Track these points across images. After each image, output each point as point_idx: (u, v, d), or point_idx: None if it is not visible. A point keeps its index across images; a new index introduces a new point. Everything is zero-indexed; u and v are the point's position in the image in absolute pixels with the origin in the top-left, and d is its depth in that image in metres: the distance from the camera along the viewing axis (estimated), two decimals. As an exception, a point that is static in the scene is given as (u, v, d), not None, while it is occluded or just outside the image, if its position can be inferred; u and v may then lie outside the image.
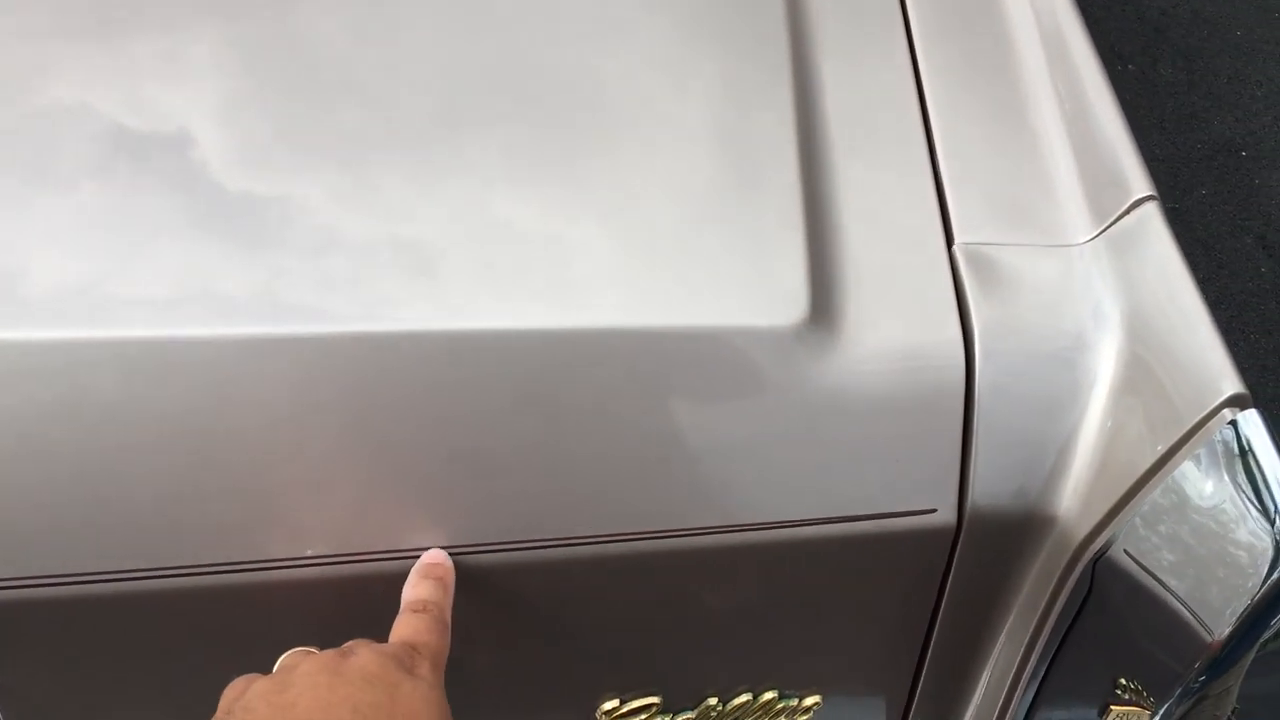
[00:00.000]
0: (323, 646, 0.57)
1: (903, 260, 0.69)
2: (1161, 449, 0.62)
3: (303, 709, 0.52)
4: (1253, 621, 0.58)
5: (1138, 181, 0.72)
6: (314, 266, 0.64)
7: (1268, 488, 0.58)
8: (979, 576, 0.71)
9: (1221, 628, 0.58)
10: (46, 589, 0.61)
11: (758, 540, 0.66)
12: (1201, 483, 0.60)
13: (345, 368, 0.61)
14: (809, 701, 0.80)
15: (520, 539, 0.64)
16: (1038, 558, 0.69)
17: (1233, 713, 0.63)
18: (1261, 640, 0.58)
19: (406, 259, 0.64)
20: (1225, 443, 0.59)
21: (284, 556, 0.63)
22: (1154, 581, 0.62)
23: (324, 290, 0.63)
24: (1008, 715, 0.77)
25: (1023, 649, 0.73)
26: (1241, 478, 0.59)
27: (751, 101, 0.76)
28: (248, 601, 0.64)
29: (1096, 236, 0.71)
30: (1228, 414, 0.60)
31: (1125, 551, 0.63)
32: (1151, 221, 0.70)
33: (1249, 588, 0.57)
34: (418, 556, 0.63)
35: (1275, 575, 0.56)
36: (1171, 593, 0.61)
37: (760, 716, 0.80)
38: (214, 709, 0.54)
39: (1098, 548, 0.65)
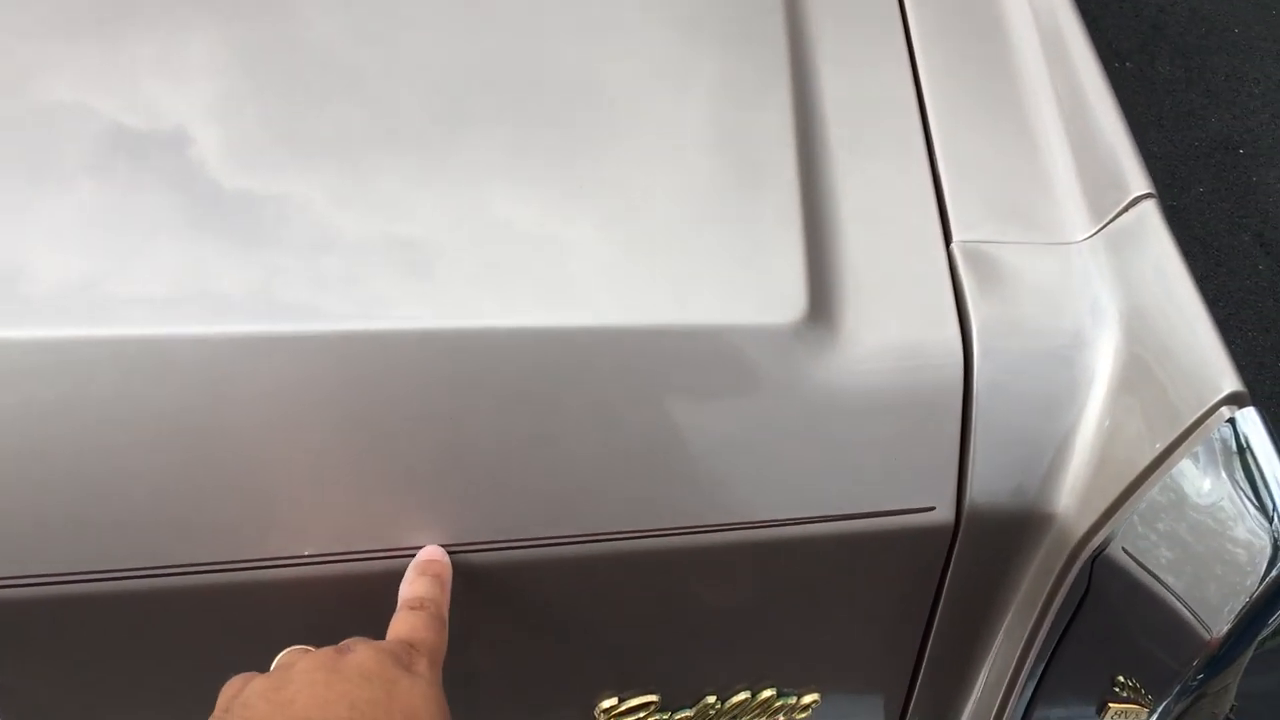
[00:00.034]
0: (320, 644, 0.57)
1: (901, 258, 0.69)
2: (1160, 447, 0.62)
3: (300, 706, 0.52)
4: (1251, 619, 0.58)
5: (1136, 179, 0.72)
6: (311, 265, 0.63)
7: (1266, 486, 0.58)
8: (977, 574, 0.71)
9: (1220, 625, 0.58)
10: (43, 587, 0.61)
11: (756, 538, 0.66)
12: (1200, 480, 0.60)
13: (342, 366, 0.61)
14: (807, 699, 0.80)
15: (518, 537, 0.64)
16: (1036, 555, 0.69)
17: (1231, 710, 0.64)
18: (1260, 638, 0.59)
19: (403, 257, 0.64)
20: (1223, 440, 0.59)
21: (281, 554, 0.63)
22: (1152, 579, 0.62)
23: (321, 289, 0.63)
24: (1006, 713, 0.77)
25: (1021, 647, 0.73)
26: (1240, 475, 0.59)
27: (750, 100, 0.75)
28: (244, 599, 0.64)
29: (1095, 234, 0.71)
30: (1226, 412, 0.60)
31: (1123, 549, 0.63)
32: (1150, 219, 0.70)
33: (1247, 586, 0.57)
34: (414, 554, 0.63)
35: (1273, 573, 0.56)
36: (1170, 590, 0.61)
37: (758, 714, 0.80)
38: (212, 707, 0.54)
39: (1096, 545, 0.65)
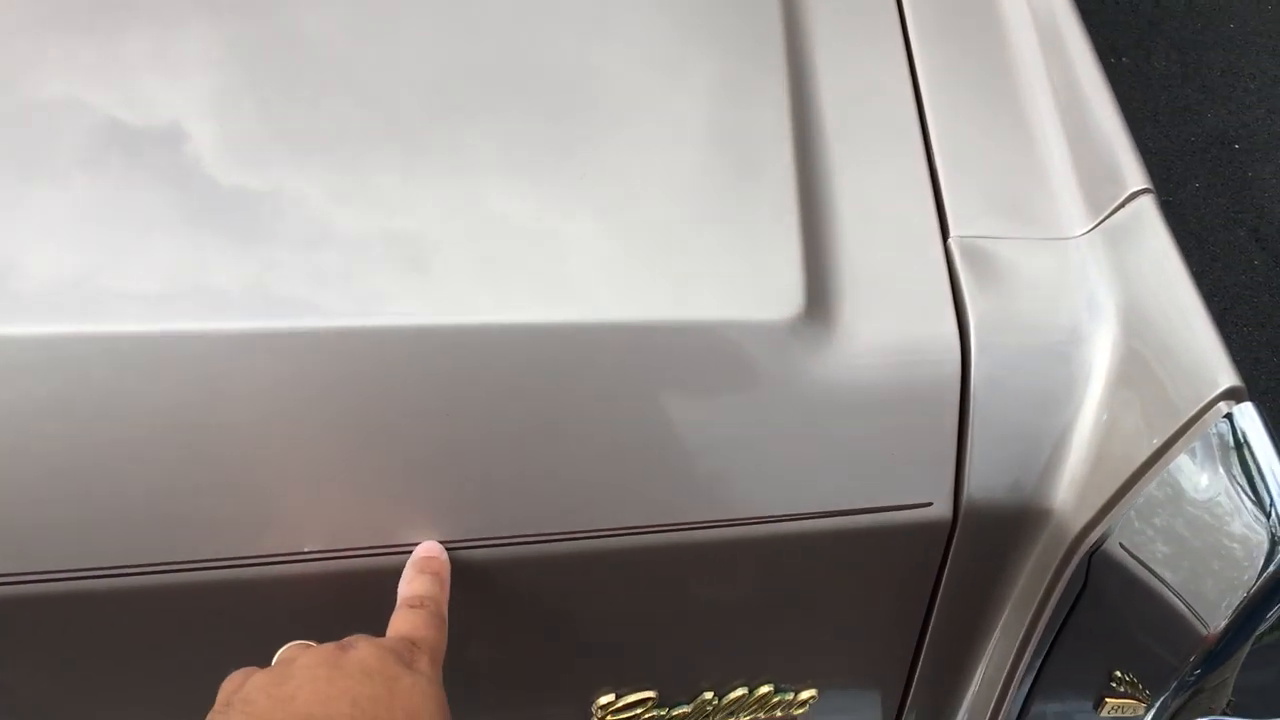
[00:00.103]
0: (319, 640, 0.57)
1: (898, 254, 0.69)
2: (1157, 442, 0.62)
3: (302, 702, 0.52)
4: (1248, 614, 0.58)
5: (1133, 175, 0.72)
6: (307, 261, 0.63)
7: (1263, 481, 0.58)
8: (974, 570, 0.71)
9: (1217, 621, 0.58)
10: (41, 585, 0.61)
11: (754, 534, 0.66)
12: (1197, 476, 0.60)
13: (338, 362, 0.61)
14: (805, 695, 0.80)
15: (515, 533, 0.64)
16: (1033, 551, 0.69)
17: (1228, 705, 0.64)
18: (1257, 633, 0.59)
19: (400, 253, 0.64)
20: (1221, 436, 0.59)
21: (279, 551, 0.63)
22: (1149, 574, 0.62)
23: (317, 284, 0.62)
24: (1003, 708, 0.77)
25: (1018, 642, 0.73)
26: (1237, 471, 0.59)
27: (747, 95, 0.75)
28: (242, 595, 0.64)
29: (1092, 230, 0.71)
30: (1223, 407, 0.60)
31: (1120, 545, 0.63)
32: (1147, 215, 0.70)
33: (1244, 581, 0.57)
34: (412, 550, 0.63)
35: (1271, 568, 0.56)
36: (1167, 586, 0.61)
37: (756, 710, 0.80)
38: (211, 702, 0.54)
39: (1093, 541, 0.65)
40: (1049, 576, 0.69)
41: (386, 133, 0.70)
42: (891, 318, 0.66)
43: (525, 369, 0.62)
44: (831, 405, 0.65)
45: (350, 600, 0.64)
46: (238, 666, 0.56)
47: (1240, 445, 0.59)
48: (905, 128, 0.77)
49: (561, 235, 0.66)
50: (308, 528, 0.63)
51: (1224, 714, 0.64)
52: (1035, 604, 0.70)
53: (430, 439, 0.63)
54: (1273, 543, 0.57)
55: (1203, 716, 0.64)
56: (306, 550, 0.63)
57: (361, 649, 0.55)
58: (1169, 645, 0.62)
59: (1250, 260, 2.25)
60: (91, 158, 0.67)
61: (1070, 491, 0.66)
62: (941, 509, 0.67)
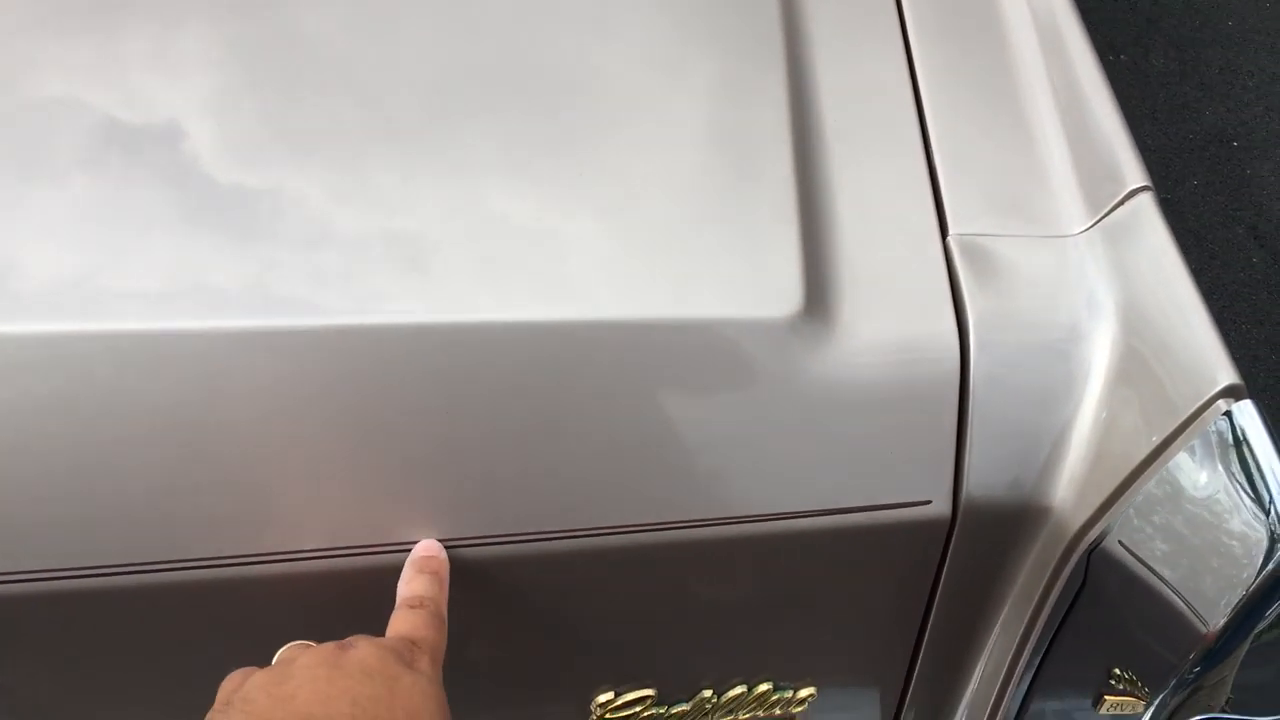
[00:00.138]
0: (318, 638, 0.57)
1: (897, 252, 0.69)
2: (1156, 440, 0.62)
3: (302, 701, 0.51)
4: (1247, 612, 0.58)
5: (1132, 172, 0.72)
6: (306, 260, 0.63)
7: (1262, 478, 0.58)
8: (974, 567, 0.71)
9: (1216, 619, 0.58)
10: (40, 583, 0.61)
11: (753, 532, 0.66)
12: (1196, 473, 0.60)
13: (338, 361, 0.61)
14: (804, 693, 0.80)
15: (515, 531, 0.64)
16: (1032, 548, 0.69)
17: (1227, 703, 0.64)
18: (1256, 631, 0.59)
19: (399, 252, 0.64)
20: (1220, 433, 0.60)
21: (278, 549, 0.63)
22: (1148, 572, 0.62)
23: (316, 284, 0.62)
24: (1002, 706, 0.77)
25: (1017, 640, 0.73)
26: (1236, 468, 0.59)
27: (746, 95, 0.75)
28: (241, 594, 0.64)
29: (1091, 227, 0.71)
30: (1223, 405, 0.60)
31: (1120, 542, 0.63)
32: (1146, 212, 0.70)
33: (1243, 578, 0.57)
34: (411, 549, 0.63)
35: (1270, 566, 0.56)
36: (1166, 583, 0.61)
37: (755, 708, 0.80)
38: (211, 702, 0.54)
39: (1092, 539, 0.65)
40: (1048, 574, 0.69)
41: (386, 132, 0.70)
42: (891, 316, 0.66)
43: (525, 367, 0.62)
44: (831, 403, 0.65)
45: (350, 599, 0.64)
46: (237, 666, 0.56)
47: (1239, 443, 0.59)
48: (904, 126, 0.77)
49: (561, 234, 0.66)
50: (307, 526, 0.63)
51: (1223, 712, 0.64)
52: (1034, 602, 0.70)
53: (430, 437, 0.63)
54: (1272, 540, 0.57)
55: (1202, 714, 0.64)
56: (305, 548, 0.63)
57: (361, 649, 0.55)
58: (1168, 643, 0.62)
59: (1249, 258, 2.25)
60: (92, 157, 0.67)
61: (1069, 489, 0.66)
62: (940, 507, 0.67)
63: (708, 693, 0.78)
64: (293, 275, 0.63)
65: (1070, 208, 0.72)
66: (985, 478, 0.66)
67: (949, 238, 0.70)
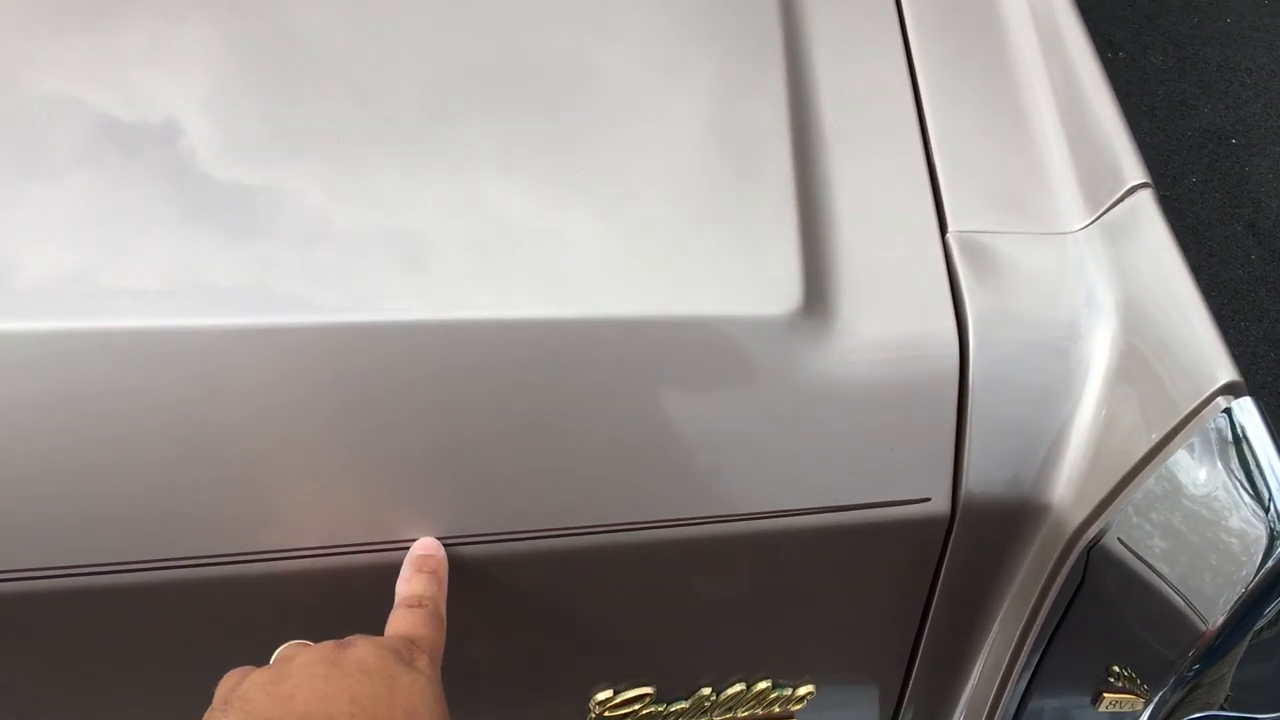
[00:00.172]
0: (316, 636, 0.57)
1: (896, 249, 0.69)
2: (1155, 437, 0.62)
3: (301, 700, 0.51)
4: (1246, 610, 0.58)
5: (1131, 170, 0.72)
6: (305, 257, 0.63)
7: (1262, 475, 0.58)
8: (973, 565, 0.71)
9: (1215, 616, 0.58)
10: (38, 581, 0.61)
11: (752, 530, 0.66)
12: (1195, 471, 0.60)
13: (337, 358, 0.61)
14: (802, 691, 0.80)
15: (513, 529, 0.64)
16: (1032, 546, 0.69)
17: (1226, 700, 0.64)
18: (1255, 628, 0.59)
19: (398, 250, 0.64)
20: (1219, 431, 0.59)
21: (276, 547, 0.63)
22: (1147, 570, 0.62)
23: (315, 281, 0.62)
24: (1001, 703, 0.77)
25: (1016, 637, 0.73)
26: (1235, 466, 0.59)
27: (745, 92, 0.75)
28: (239, 592, 0.64)
29: (1090, 224, 0.71)
30: (1222, 402, 0.60)
31: (1119, 540, 0.63)
32: (1145, 209, 0.70)
33: (1243, 576, 0.57)
34: (409, 546, 0.63)
35: (1269, 564, 0.56)
36: (1165, 581, 0.61)
37: (754, 706, 0.80)
38: (209, 700, 0.54)
39: (1091, 536, 0.65)
40: (1047, 572, 0.69)
41: (385, 130, 0.70)
42: (890, 313, 0.66)
43: (524, 365, 0.62)
44: (830, 400, 0.65)
45: (348, 597, 0.64)
46: (235, 664, 0.56)
47: (1239, 440, 0.59)
48: (903, 123, 0.76)
49: (560, 232, 0.66)
50: (306, 524, 0.63)
51: (1222, 709, 0.64)
52: (1033, 599, 0.70)
53: (428, 435, 0.62)
54: (1271, 538, 0.57)
55: (1200, 712, 0.64)
56: (303, 546, 0.62)
57: (360, 647, 0.55)
58: (1167, 640, 0.62)
59: (1247, 255, 2.25)
60: (90, 155, 0.67)
61: (1069, 487, 0.66)
62: (940, 504, 0.67)
63: (706, 690, 0.78)
64: (292, 273, 0.63)
65: (1069, 205, 0.72)
66: (984, 475, 0.66)
67: (948, 235, 0.70)
